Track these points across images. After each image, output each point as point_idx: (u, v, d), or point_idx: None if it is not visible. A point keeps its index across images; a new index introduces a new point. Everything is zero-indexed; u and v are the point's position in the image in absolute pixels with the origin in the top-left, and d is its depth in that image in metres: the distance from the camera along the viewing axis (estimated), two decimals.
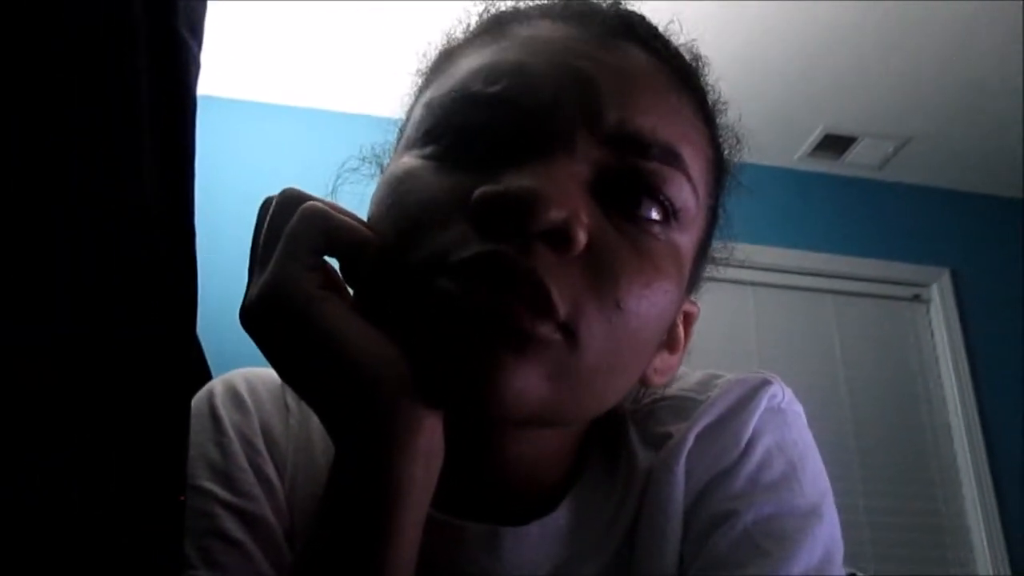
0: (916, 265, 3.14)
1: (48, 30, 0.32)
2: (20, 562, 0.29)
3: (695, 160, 0.46)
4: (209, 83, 2.78)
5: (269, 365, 0.44)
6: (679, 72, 0.50)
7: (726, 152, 0.53)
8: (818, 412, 2.57)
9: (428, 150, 0.45)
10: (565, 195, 0.39)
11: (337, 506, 0.40)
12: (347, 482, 0.40)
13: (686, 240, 0.46)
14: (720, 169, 0.52)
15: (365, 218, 0.53)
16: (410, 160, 0.45)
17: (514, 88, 0.44)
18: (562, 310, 0.39)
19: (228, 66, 2.66)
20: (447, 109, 0.45)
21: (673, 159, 0.45)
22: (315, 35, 2.57)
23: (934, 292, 3.13)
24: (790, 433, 0.53)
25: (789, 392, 0.55)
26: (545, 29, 0.48)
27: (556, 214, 0.38)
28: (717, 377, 0.55)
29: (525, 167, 0.40)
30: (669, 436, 0.53)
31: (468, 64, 0.47)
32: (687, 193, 0.45)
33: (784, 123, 2.94)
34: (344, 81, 2.72)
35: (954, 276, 3.14)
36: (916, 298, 3.15)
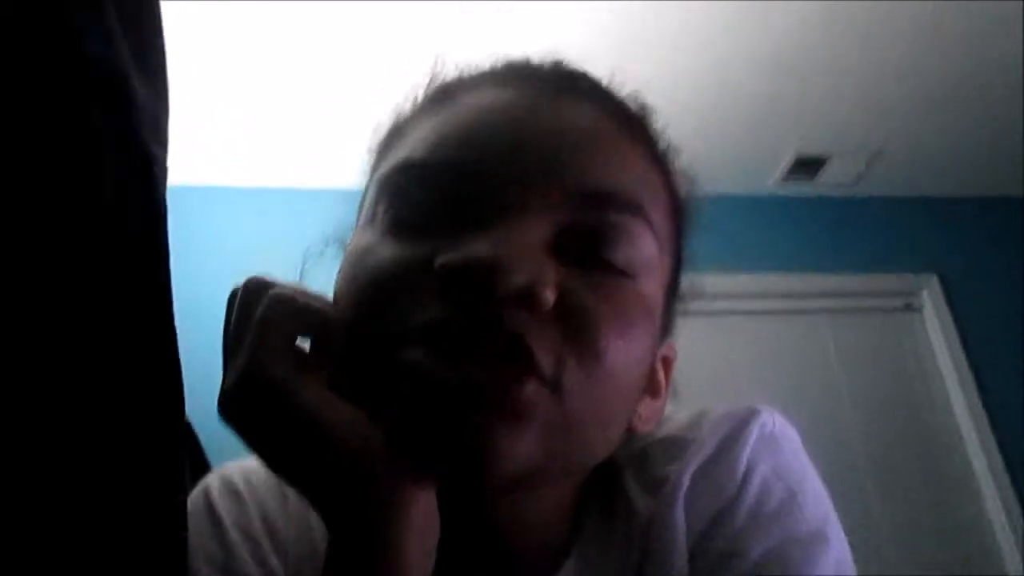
0: (904, 274, 3.17)
1: (9, 156, 0.32)
2: None
3: (654, 208, 0.47)
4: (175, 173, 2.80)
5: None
6: (627, 123, 0.50)
7: (683, 196, 0.53)
8: (825, 431, 2.57)
9: (384, 224, 0.45)
10: (526, 257, 0.39)
11: None
12: (343, 565, 0.39)
13: (653, 287, 0.46)
14: (679, 213, 0.52)
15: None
16: (368, 236, 0.46)
17: (465, 155, 0.44)
18: (545, 366, 0.39)
19: (190, 154, 2.68)
20: (398, 182, 0.46)
21: (633, 209, 0.45)
22: (269, 114, 2.59)
23: (925, 299, 3.14)
24: (785, 459, 0.52)
25: (780, 418, 0.55)
26: (490, 95, 0.48)
27: (518, 278, 0.38)
28: (706, 414, 0.55)
29: (483, 233, 0.40)
30: (664, 479, 0.52)
31: (416, 136, 0.48)
32: (649, 241, 0.45)
33: (755, 151, 2.98)
34: (308, 157, 2.75)
35: (942, 281, 3.16)
36: (908, 307, 3.16)
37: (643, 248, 0.45)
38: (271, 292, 0.42)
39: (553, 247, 0.42)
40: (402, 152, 0.47)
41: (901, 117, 2.85)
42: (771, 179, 3.14)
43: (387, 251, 0.43)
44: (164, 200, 0.40)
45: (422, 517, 0.39)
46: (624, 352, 0.42)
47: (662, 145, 0.53)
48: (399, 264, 0.42)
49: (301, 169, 2.80)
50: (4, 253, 0.31)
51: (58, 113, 0.34)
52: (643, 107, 0.54)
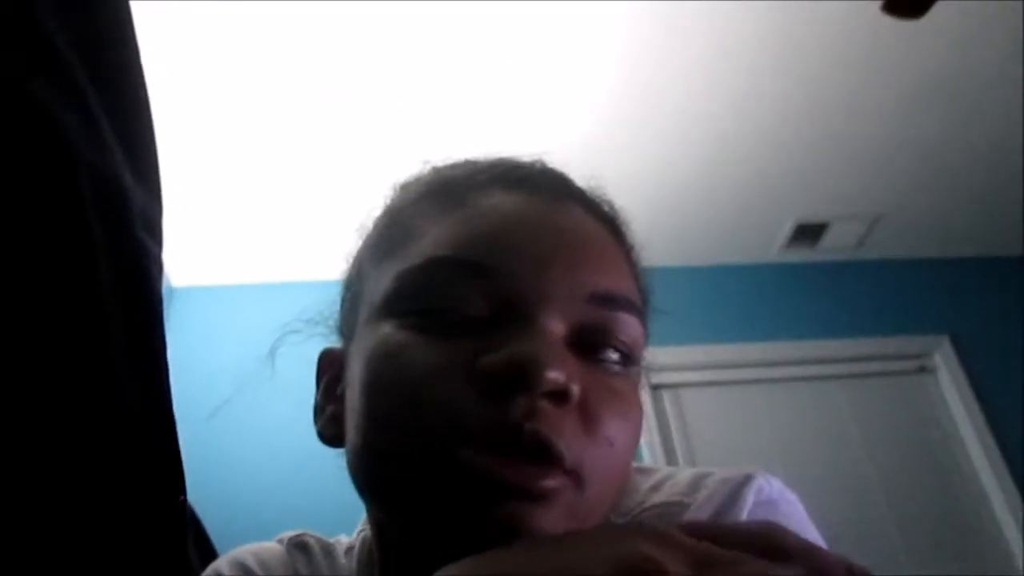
0: (915, 336, 3.16)
1: (5, 254, 0.33)
2: None
3: (637, 300, 0.51)
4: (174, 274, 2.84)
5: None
6: (611, 226, 0.55)
7: (644, 287, 0.57)
8: (850, 499, 2.52)
9: (411, 320, 0.47)
10: (558, 356, 0.43)
11: None
12: None
13: (638, 369, 0.51)
14: (645, 302, 0.56)
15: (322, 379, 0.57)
16: (394, 332, 0.47)
17: (498, 257, 0.47)
18: (568, 460, 0.43)
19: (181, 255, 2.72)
20: (425, 279, 0.47)
21: (629, 307, 0.49)
22: (243, 210, 2.64)
23: (938, 360, 3.13)
24: (785, 524, 0.52)
25: (777, 482, 0.54)
26: (501, 197, 0.51)
27: (556, 375, 0.42)
28: (707, 476, 0.55)
29: (516, 333, 0.44)
30: None
31: (438, 234, 0.49)
32: (639, 332, 0.50)
33: (756, 221, 3.02)
34: (286, 250, 2.78)
35: (954, 341, 3.15)
36: (922, 369, 3.14)
37: (637, 338, 0.50)
38: None
39: (568, 342, 0.46)
40: (422, 249, 0.49)
41: (900, 181, 2.89)
42: (774, 248, 3.17)
43: (423, 350, 0.45)
44: (158, 291, 0.41)
45: None
46: (628, 434, 0.47)
47: (631, 242, 0.57)
48: (441, 365, 0.44)
49: (271, 263, 2.83)
50: (4, 345, 0.32)
51: (52, 212, 0.35)
52: (616, 208, 0.58)
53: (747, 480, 0.53)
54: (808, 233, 3.12)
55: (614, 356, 0.48)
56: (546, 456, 0.42)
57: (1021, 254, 3.35)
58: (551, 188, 0.53)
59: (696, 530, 0.38)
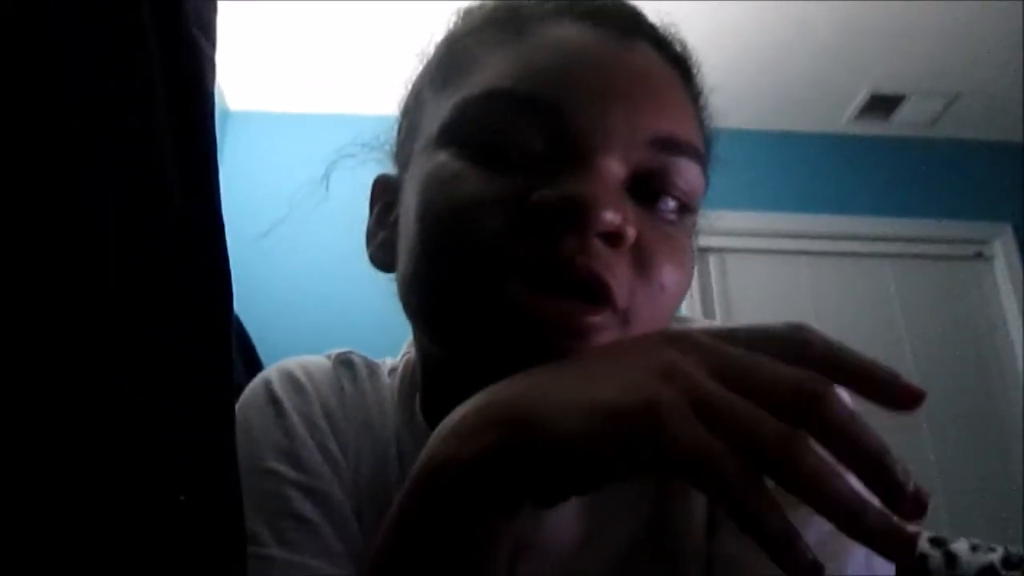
0: (976, 222, 3.08)
1: (57, 37, 0.33)
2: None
3: (701, 149, 0.50)
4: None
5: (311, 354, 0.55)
6: (680, 69, 0.53)
7: (708, 131, 0.55)
8: None
9: (467, 150, 0.47)
10: (614, 198, 0.43)
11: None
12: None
13: (694, 219, 0.51)
14: (707, 150, 0.54)
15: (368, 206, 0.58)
16: (449, 160, 0.47)
17: (556, 92, 0.46)
18: (619, 299, 0.44)
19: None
20: (483, 110, 0.47)
21: (693, 153, 0.49)
22: (306, 39, 2.59)
23: (997, 248, 3.06)
24: None
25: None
26: (567, 29, 0.49)
27: (611, 217, 0.42)
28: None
29: (575, 172, 0.44)
30: None
31: (499, 65, 0.48)
32: (700, 180, 0.49)
33: (827, 88, 2.89)
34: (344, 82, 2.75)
35: (1016, 231, 3.06)
36: (978, 256, 3.08)
37: (697, 187, 0.49)
38: None
39: (627, 186, 0.46)
40: (482, 79, 0.48)
41: (982, 58, 2.74)
42: (844, 117, 3.05)
43: (478, 181, 0.45)
44: (210, 90, 0.40)
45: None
46: (679, 281, 0.48)
47: (700, 86, 0.55)
48: (495, 197, 0.45)
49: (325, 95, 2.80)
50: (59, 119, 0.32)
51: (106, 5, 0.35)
52: (688, 49, 0.56)
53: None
54: (882, 105, 2.99)
55: (671, 204, 0.48)
56: (595, 293, 0.43)
57: None
58: (621, 23, 0.51)
59: (724, 334, 0.38)
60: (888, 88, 2.91)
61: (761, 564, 0.45)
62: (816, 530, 0.48)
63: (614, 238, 0.43)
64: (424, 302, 0.49)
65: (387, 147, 0.60)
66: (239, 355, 1.06)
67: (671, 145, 0.47)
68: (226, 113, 2.88)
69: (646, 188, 0.47)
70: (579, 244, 0.42)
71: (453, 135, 0.48)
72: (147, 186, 0.35)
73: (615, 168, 0.45)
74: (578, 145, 0.45)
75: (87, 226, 0.32)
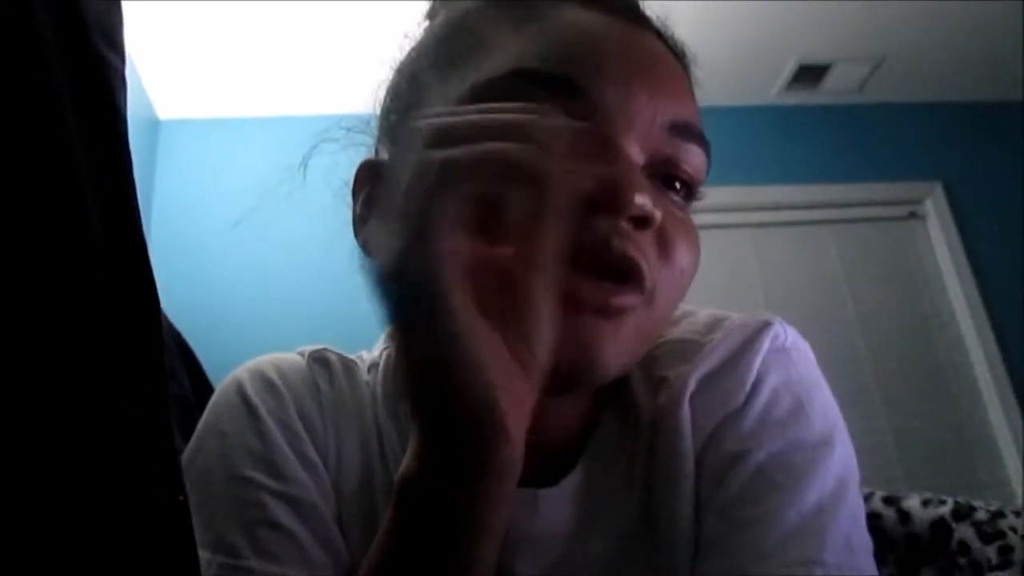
0: (908, 183, 3.15)
1: None
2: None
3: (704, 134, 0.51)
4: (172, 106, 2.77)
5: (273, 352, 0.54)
6: (677, 51, 0.54)
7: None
8: (830, 341, 2.58)
9: None
10: (641, 182, 0.44)
11: (414, 524, 0.39)
12: (430, 474, 0.38)
13: (692, 205, 0.52)
14: None
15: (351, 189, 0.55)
16: None
17: (585, 74, 0.46)
18: (648, 281, 0.45)
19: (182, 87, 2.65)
20: (506, 90, 0.45)
21: (701, 139, 0.50)
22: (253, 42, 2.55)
23: (929, 207, 3.13)
24: (796, 371, 0.54)
25: (792, 331, 0.56)
26: (580, 14, 0.49)
27: (641, 200, 0.43)
28: (724, 319, 0.56)
29: (600, 155, 0.44)
30: (665, 380, 0.54)
31: (518, 45, 0.48)
32: (705, 165, 0.51)
33: (756, 60, 2.93)
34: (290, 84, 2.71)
35: (947, 188, 3.14)
36: (912, 215, 3.16)
37: (702, 171, 0.50)
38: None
39: (644, 170, 0.47)
40: (502, 59, 0.47)
41: (904, 22, 2.79)
42: (774, 89, 3.10)
43: None
44: (121, 106, 0.39)
45: (517, 460, 0.38)
46: (693, 263, 0.49)
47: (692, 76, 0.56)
48: None
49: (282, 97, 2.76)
50: None
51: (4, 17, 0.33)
52: (680, 41, 0.56)
53: (764, 326, 0.55)
54: (810, 74, 3.04)
55: (679, 188, 0.49)
56: (628, 273, 0.44)
57: (1022, 99, 3.27)
58: (628, 10, 0.52)
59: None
60: (814, 58, 2.96)
61: (744, 546, 0.47)
62: (767, 449, 0.49)
63: (642, 221, 0.44)
64: None
65: (367, 132, 0.59)
66: (183, 369, 1.03)
67: (685, 130, 0.48)
68: (156, 123, 2.82)
69: (659, 174, 0.48)
70: (613, 227, 0.43)
71: None
72: (63, 210, 0.34)
73: (636, 152, 0.46)
74: (603, 128, 0.45)
75: (10, 253, 0.32)
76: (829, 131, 3.19)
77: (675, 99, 0.49)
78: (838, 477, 0.49)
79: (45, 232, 0.33)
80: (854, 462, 0.51)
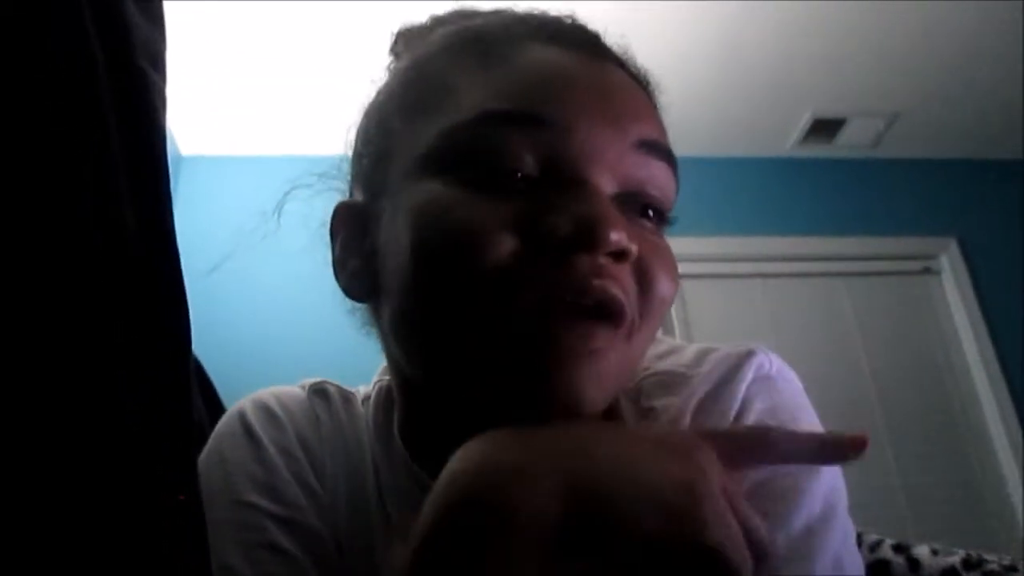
0: (922, 237, 3.15)
1: (11, 68, 0.33)
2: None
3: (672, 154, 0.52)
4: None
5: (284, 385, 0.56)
6: (641, 81, 0.55)
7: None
8: (842, 395, 2.55)
9: (459, 176, 0.46)
10: (615, 216, 0.44)
11: None
12: None
13: (666, 226, 0.52)
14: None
15: (330, 229, 0.56)
16: (443, 189, 0.46)
17: (552, 112, 0.46)
18: (629, 315, 0.45)
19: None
20: (475, 133, 0.46)
21: (669, 156, 0.50)
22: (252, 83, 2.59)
23: (943, 262, 3.13)
24: (780, 398, 0.54)
25: (778, 359, 0.56)
26: (541, 52, 0.50)
27: (617, 235, 0.43)
28: (710, 352, 0.56)
29: (571, 192, 0.45)
30: (651, 410, 0.54)
31: (483, 88, 0.48)
32: (673, 186, 0.51)
33: (772, 113, 2.96)
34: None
35: (961, 244, 3.14)
36: (927, 270, 3.15)
37: (671, 192, 0.50)
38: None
39: (614, 200, 0.47)
40: (469, 103, 0.48)
41: (920, 78, 2.82)
42: (789, 142, 3.12)
43: (478, 207, 0.45)
44: (161, 122, 0.41)
45: None
46: (673, 292, 0.49)
47: (659, 104, 0.56)
48: (500, 222, 0.44)
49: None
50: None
51: (53, 35, 0.35)
52: (644, 70, 0.57)
53: (748, 355, 0.54)
54: (825, 128, 3.06)
55: (652, 215, 0.49)
56: (609, 312, 0.44)
57: None
58: (589, 45, 0.52)
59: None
60: (830, 112, 2.98)
61: None
62: (751, 478, 0.49)
63: (619, 255, 0.44)
64: (425, 337, 0.48)
65: (334, 181, 0.60)
66: (198, 393, 1.04)
67: (654, 147, 0.49)
68: (178, 158, 2.86)
69: (630, 203, 0.48)
70: (592, 265, 0.43)
71: (443, 162, 0.47)
72: (104, 216, 0.35)
73: (607, 185, 0.46)
74: (571, 165, 0.46)
75: (47, 254, 0.32)
76: (844, 185, 3.20)
77: (641, 120, 0.49)
78: (825, 500, 0.49)
79: (77, 232, 0.34)
80: (842, 484, 0.51)
